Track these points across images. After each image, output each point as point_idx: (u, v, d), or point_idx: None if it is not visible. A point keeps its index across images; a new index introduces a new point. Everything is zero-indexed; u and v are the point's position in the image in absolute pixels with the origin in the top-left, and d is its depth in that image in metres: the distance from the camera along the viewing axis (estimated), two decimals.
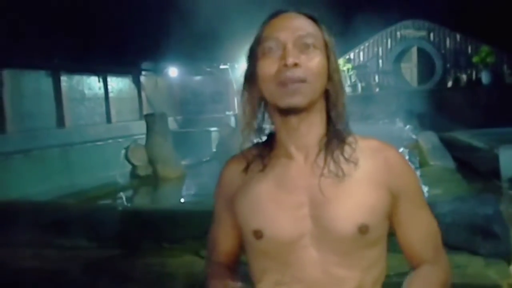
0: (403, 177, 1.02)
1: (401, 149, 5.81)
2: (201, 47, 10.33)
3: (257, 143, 1.04)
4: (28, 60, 8.55)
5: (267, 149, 1.02)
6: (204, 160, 7.27)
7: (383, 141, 1.06)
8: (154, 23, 9.42)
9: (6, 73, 8.40)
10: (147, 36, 9.42)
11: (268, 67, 0.95)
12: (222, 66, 13.37)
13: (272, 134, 1.03)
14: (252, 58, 0.99)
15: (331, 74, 0.99)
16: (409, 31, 12.62)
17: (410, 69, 13.10)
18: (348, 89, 12.88)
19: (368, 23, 10.49)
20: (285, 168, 0.98)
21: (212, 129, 10.33)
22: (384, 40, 12.90)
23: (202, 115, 13.22)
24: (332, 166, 0.96)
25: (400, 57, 12.90)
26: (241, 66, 12.44)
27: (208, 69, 13.84)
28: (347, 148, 0.99)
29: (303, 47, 0.95)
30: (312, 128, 0.98)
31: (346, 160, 0.97)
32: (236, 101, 13.96)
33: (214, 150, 8.27)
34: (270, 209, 0.96)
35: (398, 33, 12.70)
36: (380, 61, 12.97)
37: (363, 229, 0.94)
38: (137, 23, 8.91)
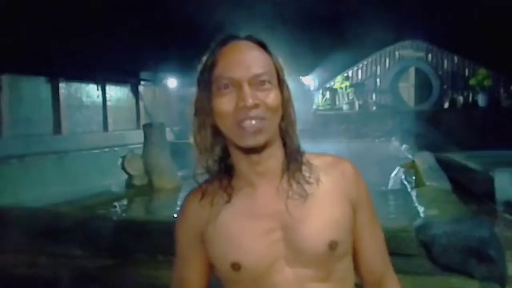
0: (359, 188, 1.07)
1: (397, 168, 5.82)
2: (201, 59, 10.37)
3: (212, 175, 1.03)
4: (27, 66, 8.56)
5: (226, 180, 1.02)
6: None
7: (335, 155, 1.09)
8: (155, 34, 9.47)
9: (5, 78, 8.40)
10: (146, 46, 9.47)
11: (225, 105, 0.95)
12: None
13: (227, 164, 1.03)
14: (205, 89, 0.98)
15: (285, 104, 1.01)
16: (408, 51, 12.74)
17: (407, 89, 13.19)
18: (345, 107, 12.96)
19: (367, 42, 10.59)
20: (251, 197, 0.99)
21: None
22: (383, 59, 13.01)
23: None
24: (295, 188, 0.98)
25: (398, 76, 13.01)
26: None
27: None
28: (305, 168, 1.01)
29: (259, 85, 0.95)
30: (272, 156, 0.99)
31: (308, 180, 0.99)
32: None
33: None
34: (244, 240, 0.96)
35: (397, 53, 12.82)
36: (378, 80, 13.06)
37: (333, 245, 0.97)
38: (137, 33, 8.96)
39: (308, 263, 0.96)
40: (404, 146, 9.02)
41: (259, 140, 0.94)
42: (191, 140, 1.04)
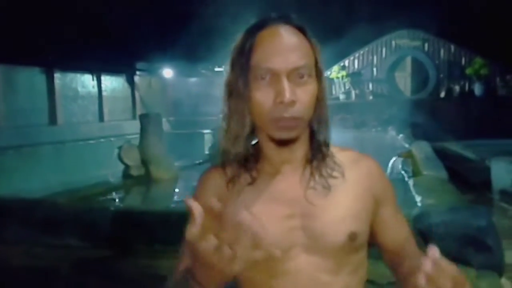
0: (384, 184, 1.09)
1: (394, 158, 5.83)
2: (196, 49, 10.32)
3: (236, 155, 1.00)
4: (22, 57, 8.49)
5: (251, 162, 1.00)
6: (197, 162, 7.25)
7: (359, 152, 1.12)
8: (150, 23, 9.40)
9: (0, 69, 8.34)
10: (142, 36, 9.41)
11: (262, 97, 0.93)
12: (216, 69, 13.37)
13: (253, 147, 1.02)
14: (241, 74, 0.95)
15: (321, 96, 1.00)
16: (404, 41, 12.71)
17: (404, 78, 13.18)
18: (341, 96, 12.94)
19: (364, 31, 10.55)
20: (274, 181, 0.99)
21: (206, 131, 10.31)
22: (379, 49, 12.97)
23: (195, 116, 13.19)
24: (318, 179, 1.00)
25: (394, 66, 12.99)
26: None
27: (203, 71, 13.83)
28: (329, 161, 1.02)
29: (298, 78, 0.93)
30: (300, 145, 1.01)
31: (331, 173, 1.01)
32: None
33: (207, 152, 8.26)
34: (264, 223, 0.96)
35: (393, 42, 12.79)
36: (375, 69, 13.04)
37: (352, 237, 0.99)
38: (133, 22, 8.89)
39: (324, 252, 0.97)
40: (401, 135, 9.04)
41: (292, 135, 0.96)
42: (222, 122, 1.01)
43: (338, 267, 0.98)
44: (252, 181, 0.98)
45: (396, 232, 1.11)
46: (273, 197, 0.98)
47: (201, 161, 7.34)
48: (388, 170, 5.64)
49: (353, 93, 12.81)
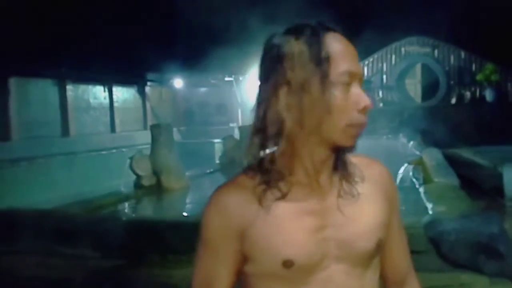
0: (394, 190, 1.09)
1: (405, 165, 5.81)
2: (206, 59, 10.40)
3: (249, 168, 0.95)
4: (35, 69, 8.63)
5: (277, 173, 0.94)
6: (208, 171, 7.28)
7: (369, 156, 1.09)
8: (161, 35, 9.51)
9: (13, 81, 8.48)
10: (153, 47, 9.51)
11: (342, 103, 0.90)
12: (227, 79, 13.43)
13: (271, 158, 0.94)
14: (320, 79, 0.88)
15: None
16: (414, 48, 12.68)
17: (414, 85, 13.13)
18: None
19: (373, 38, 10.55)
20: (305, 192, 0.95)
21: (216, 140, 10.35)
22: (389, 56, 12.96)
23: (206, 126, 13.25)
24: (345, 187, 0.97)
25: (404, 73, 12.95)
26: (245, 78, 12.51)
27: (213, 81, 13.90)
28: (351, 167, 1.00)
29: (362, 86, 0.93)
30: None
31: (355, 178, 0.99)
32: (240, 112, 13.99)
33: (217, 161, 8.29)
34: (298, 236, 0.93)
35: (403, 49, 12.76)
36: (384, 76, 13.01)
37: (379, 243, 0.99)
38: (144, 34, 9.00)
39: (353, 260, 0.97)
40: (411, 142, 8.99)
41: (356, 142, 0.94)
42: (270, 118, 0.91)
43: (365, 272, 0.98)
44: (282, 194, 0.93)
45: (400, 243, 1.13)
46: (305, 209, 0.95)
47: (212, 170, 7.37)
48: (399, 177, 5.61)
49: None
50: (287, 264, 0.92)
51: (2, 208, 4.44)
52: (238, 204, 0.94)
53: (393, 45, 12.72)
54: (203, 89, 14.23)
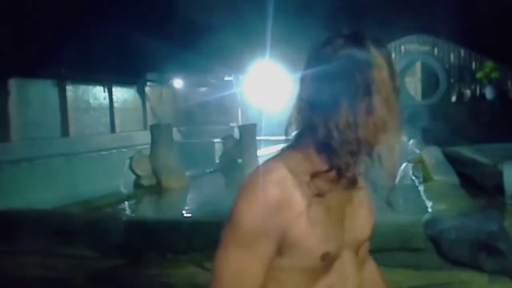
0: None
1: (405, 163, 5.81)
2: (206, 59, 10.40)
3: (294, 158, 0.98)
4: (34, 70, 8.62)
5: (313, 167, 0.97)
6: (208, 171, 7.28)
7: None
8: (160, 34, 9.51)
9: (12, 82, 8.48)
10: (152, 47, 9.51)
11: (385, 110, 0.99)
12: (226, 78, 13.43)
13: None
14: (360, 89, 0.94)
15: None
16: (413, 46, 12.67)
17: (414, 83, 13.14)
18: None
19: (373, 36, 10.54)
20: (333, 186, 0.99)
21: (216, 140, 10.35)
22: None
23: (206, 126, 13.25)
24: (354, 183, 1.02)
25: (404, 71, 12.94)
26: (245, 78, 12.51)
27: (213, 81, 13.90)
28: None
29: None
30: None
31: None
32: (239, 112, 14.00)
33: (217, 161, 8.29)
34: (332, 230, 0.98)
35: (402, 48, 12.75)
36: None
37: (373, 230, 1.11)
38: (143, 34, 9.00)
39: (355, 248, 1.06)
40: (411, 141, 8.99)
41: None
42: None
43: (356, 257, 1.07)
44: (324, 192, 0.96)
45: None
46: (333, 201, 0.99)
47: (211, 170, 7.37)
48: (399, 175, 5.61)
49: None
50: (325, 257, 0.96)
51: (2, 208, 4.45)
52: (286, 200, 0.92)
53: (393, 44, 12.71)
54: (203, 89, 14.23)
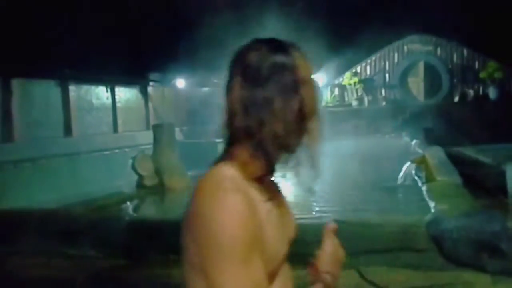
0: None
1: (408, 163, 5.80)
2: (208, 59, 10.41)
3: (227, 169, 0.97)
4: (37, 70, 8.64)
5: (254, 173, 0.99)
6: None
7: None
8: (162, 34, 9.52)
9: (15, 82, 8.49)
10: (155, 47, 9.51)
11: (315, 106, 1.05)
12: None
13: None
14: (287, 88, 0.99)
15: None
16: (416, 46, 12.67)
17: (417, 83, 13.11)
18: (354, 103, 12.90)
19: (375, 37, 10.54)
20: (272, 188, 1.07)
21: (218, 140, 10.32)
22: (391, 54, 12.94)
23: (208, 126, 13.25)
24: (278, 185, 1.12)
25: (407, 71, 12.93)
26: None
27: (215, 81, 13.91)
28: None
29: None
30: None
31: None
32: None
33: None
34: (285, 230, 1.04)
35: (405, 48, 12.75)
36: (387, 75, 13.00)
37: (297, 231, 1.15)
38: (146, 34, 9.01)
39: (288, 244, 1.08)
40: (414, 141, 8.98)
41: None
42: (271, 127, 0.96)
43: None
44: (271, 196, 1.00)
45: None
46: (277, 203, 1.03)
47: None
48: (401, 176, 5.60)
49: (365, 99, 12.78)
50: (285, 257, 1.01)
51: (5, 208, 4.46)
52: (252, 205, 0.92)
53: (396, 44, 12.70)
54: (205, 89, 14.24)
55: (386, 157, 7.75)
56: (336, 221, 3.04)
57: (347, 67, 12.94)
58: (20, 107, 8.55)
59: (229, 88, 1.03)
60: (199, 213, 0.90)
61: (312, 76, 1.07)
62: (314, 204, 4.92)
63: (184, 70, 11.73)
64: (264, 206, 0.96)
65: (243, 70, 1.00)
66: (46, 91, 9.24)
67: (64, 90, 9.56)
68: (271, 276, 0.97)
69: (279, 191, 1.11)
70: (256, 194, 0.95)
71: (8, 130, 8.31)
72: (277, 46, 1.04)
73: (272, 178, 1.07)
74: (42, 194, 6.50)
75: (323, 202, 4.94)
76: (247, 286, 0.87)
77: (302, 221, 3.49)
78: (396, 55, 12.90)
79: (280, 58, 1.01)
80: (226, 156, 1.03)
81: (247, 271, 0.87)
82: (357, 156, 8.27)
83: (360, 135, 11.32)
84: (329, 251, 1.08)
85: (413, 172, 5.58)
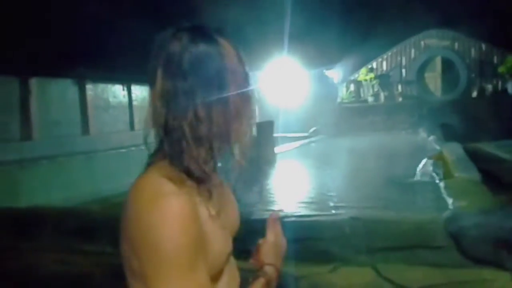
0: None
1: (425, 160, 5.74)
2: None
3: (163, 170, 0.90)
4: (55, 69, 8.75)
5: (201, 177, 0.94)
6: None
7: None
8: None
9: (34, 81, 8.62)
10: None
11: (245, 99, 0.97)
12: None
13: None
14: (218, 81, 0.92)
15: None
16: (433, 41, 12.52)
17: (434, 78, 12.96)
18: (370, 99, 12.81)
19: (391, 32, 10.44)
20: (214, 189, 0.96)
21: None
22: (408, 50, 12.81)
23: None
24: (221, 182, 1.03)
25: (424, 66, 12.80)
26: (262, 74, 12.50)
27: None
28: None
29: None
30: None
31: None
32: (256, 110, 14.00)
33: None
34: (228, 229, 0.99)
35: (422, 43, 12.61)
36: (404, 70, 12.88)
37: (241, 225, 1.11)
38: (161, 32, 9.04)
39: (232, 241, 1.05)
40: (431, 137, 8.88)
41: None
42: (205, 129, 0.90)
43: None
44: (210, 195, 0.93)
45: None
46: (219, 204, 0.97)
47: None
48: (419, 172, 5.54)
49: (382, 95, 12.68)
50: (229, 255, 0.98)
51: (24, 206, 4.53)
52: (191, 208, 0.86)
53: (412, 39, 12.57)
54: None
55: (402, 153, 7.67)
56: (352, 218, 3.01)
57: (363, 63, 12.85)
58: (39, 106, 8.68)
59: (151, 82, 0.92)
60: (138, 220, 0.84)
61: (244, 67, 0.98)
62: (330, 201, 4.90)
63: None
64: (205, 206, 0.91)
65: (164, 62, 0.92)
66: (63, 90, 9.36)
67: (81, 89, 9.67)
68: (217, 276, 0.94)
69: (222, 185, 1.03)
70: (196, 195, 0.90)
71: (27, 129, 8.44)
72: (200, 34, 0.95)
73: (214, 173, 0.98)
74: (60, 192, 6.58)
75: (339, 199, 4.91)
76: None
77: (318, 218, 3.50)
78: (412, 50, 12.77)
79: (202, 48, 0.92)
80: (158, 156, 0.94)
81: (193, 277, 0.84)
82: (373, 152, 8.20)
83: (376, 131, 11.23)
84: (272, 242, 1.07)
85: (431, 168, 5.52)
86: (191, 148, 0.89)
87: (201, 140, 0.90)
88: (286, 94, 13.07)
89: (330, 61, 12.56)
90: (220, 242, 0.93)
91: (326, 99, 12.72)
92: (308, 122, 12.45)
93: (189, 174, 0.90)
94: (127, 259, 0.87)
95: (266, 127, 7.83)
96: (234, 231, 1.06)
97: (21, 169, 7.28)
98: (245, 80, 0.98)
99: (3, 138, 7.89)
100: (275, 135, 8.37)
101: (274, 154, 8.07)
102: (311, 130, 12.41)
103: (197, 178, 0.91)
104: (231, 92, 0.93)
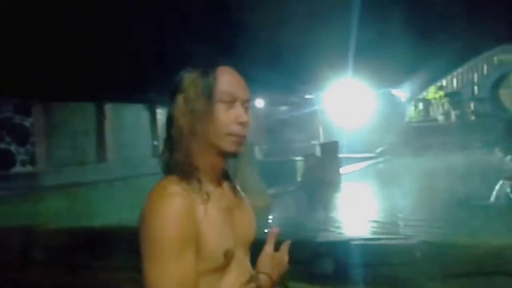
0: None
1: (501, 181, 5.42)
2: (286, 78, 10.49)
3: (172, 177, 1.12)
4: (127, 95, 9.21)
5: (196, 179, 1.12)
6: (290, 189, 7.27)
7: None
8: (242, 54, 9.75)
9: (108, 107, 9.12)
10: (235, 67, 9.74)
11: (225, 116, 1.14)
12: (307, 96, 13.44)
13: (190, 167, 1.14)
14: (207, 99, 1.13)
15: None
16: (507, 56, 11.92)
17: (509, 95, 12.30)
18: (440, 118, 12.34)
19: (462, 49, 10.06)
20: (218, 193, 1.16)
21: (297, 158, 10.34)
22: (480, 66, 12.29)
23: (287, 144, 13.31)
24: (236, 191, 1.24)
25: (498, 83, 12.19)
26: (326, 95, 12.45)
27: (294, 99, 13.98)
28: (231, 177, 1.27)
29: (247, 107, 1.19)
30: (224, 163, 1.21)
31: (236, 185, 1.27)
32: (321, 130, 13.91)
33: (299, 179, 8.26)
34: (228, 229, 1.13)
35: (495, 58, 12.05)
36: (476, 87, 12.34)
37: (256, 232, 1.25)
38: (224, 56, 9.26)
39: (246, 246, 1.20)
40: (508, 156, 8.39)
41: (239, 149, 1.16)
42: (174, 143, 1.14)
43: (247, 253, 1.21)
44: (209, 196, 1.10)
45: None
46: (222, 206, 1.14)
47: (293, 188, 7.36)
48: (495, 194, 5.25)
49: (452, 114, 12.19)
50: (226, 253, 1.10)
51: (98, 226, 4.75)
52: (190, 206, 1.06)
53: (485, 55, 12.04)
54: (283, 107, 14.36)
55: (477, 174, 7.29)
56: (424, 242, 2.88)
57: (432, 81, 12.45)
58: (112, 130, 9.15)
59: (173, 107, 1.14)
60: (145, 214, 1.06)
61: (242, 95, 1.17)
62: (400, 222, 4.74)
63: (263, 89, 11.91)
64: (204, 207, 1.08)
65: (182, 91, 1.15)
66: (135, 115, 9.83)
67: (152, 113, 10.11)
68: (220, 269, 1.10)
69: (242, 200, 1.23)
70: (197, 197, 1.08)
71: (102, 151, 8.91)
72: (204, 69, 1.18)
73: (230, 183, 1.22)
74: (132, 212, 6.85)
75: (410, 221, 4.73)
76: (175, 278, 1.03)
77: (386, 241, 3.38)
78: (485, 66, 12.23)
79: (202, 79, 1.16)
80: (168, 172, 1.15)
81: (179, 265, 1.02)
82: (445, 172, 7.86)
83: (447, 150, 10.77)
84: (270, 253, 1.16)
85: (508, 190, 5.21)
86: (187, 159, 1.11)
87: (188, 157, 1.11)
88: (352, 114, 12.91)
89: (397, 80, 12.29)
90: (216, 239, 1.09)
91: (393, 118, 12.41)
92: (375, 142, 12.18)
93: (185, 177, 1.09)
94: (139, 245, 1.06)
95: (331, 148, 7.76)
96: (248, 241, 1.21)
97: (97, 189, 7.67)
98: (237, 108, 1.16)
99: (81, 162, 8.38)
100: (340, 155, 8.25)
101: (339, 175, 7.95)
102: (378, 150, 12.13)
103: (196, 181, 1.10)
104: (215, 118, 1.13)
